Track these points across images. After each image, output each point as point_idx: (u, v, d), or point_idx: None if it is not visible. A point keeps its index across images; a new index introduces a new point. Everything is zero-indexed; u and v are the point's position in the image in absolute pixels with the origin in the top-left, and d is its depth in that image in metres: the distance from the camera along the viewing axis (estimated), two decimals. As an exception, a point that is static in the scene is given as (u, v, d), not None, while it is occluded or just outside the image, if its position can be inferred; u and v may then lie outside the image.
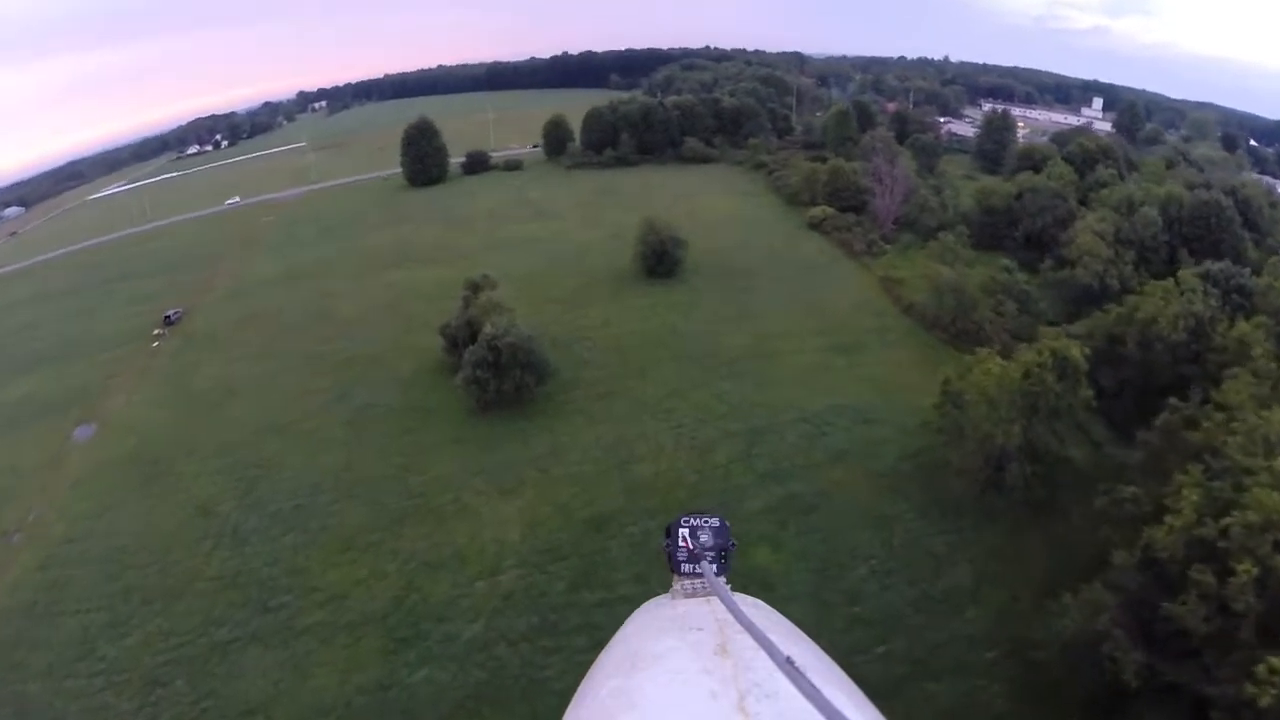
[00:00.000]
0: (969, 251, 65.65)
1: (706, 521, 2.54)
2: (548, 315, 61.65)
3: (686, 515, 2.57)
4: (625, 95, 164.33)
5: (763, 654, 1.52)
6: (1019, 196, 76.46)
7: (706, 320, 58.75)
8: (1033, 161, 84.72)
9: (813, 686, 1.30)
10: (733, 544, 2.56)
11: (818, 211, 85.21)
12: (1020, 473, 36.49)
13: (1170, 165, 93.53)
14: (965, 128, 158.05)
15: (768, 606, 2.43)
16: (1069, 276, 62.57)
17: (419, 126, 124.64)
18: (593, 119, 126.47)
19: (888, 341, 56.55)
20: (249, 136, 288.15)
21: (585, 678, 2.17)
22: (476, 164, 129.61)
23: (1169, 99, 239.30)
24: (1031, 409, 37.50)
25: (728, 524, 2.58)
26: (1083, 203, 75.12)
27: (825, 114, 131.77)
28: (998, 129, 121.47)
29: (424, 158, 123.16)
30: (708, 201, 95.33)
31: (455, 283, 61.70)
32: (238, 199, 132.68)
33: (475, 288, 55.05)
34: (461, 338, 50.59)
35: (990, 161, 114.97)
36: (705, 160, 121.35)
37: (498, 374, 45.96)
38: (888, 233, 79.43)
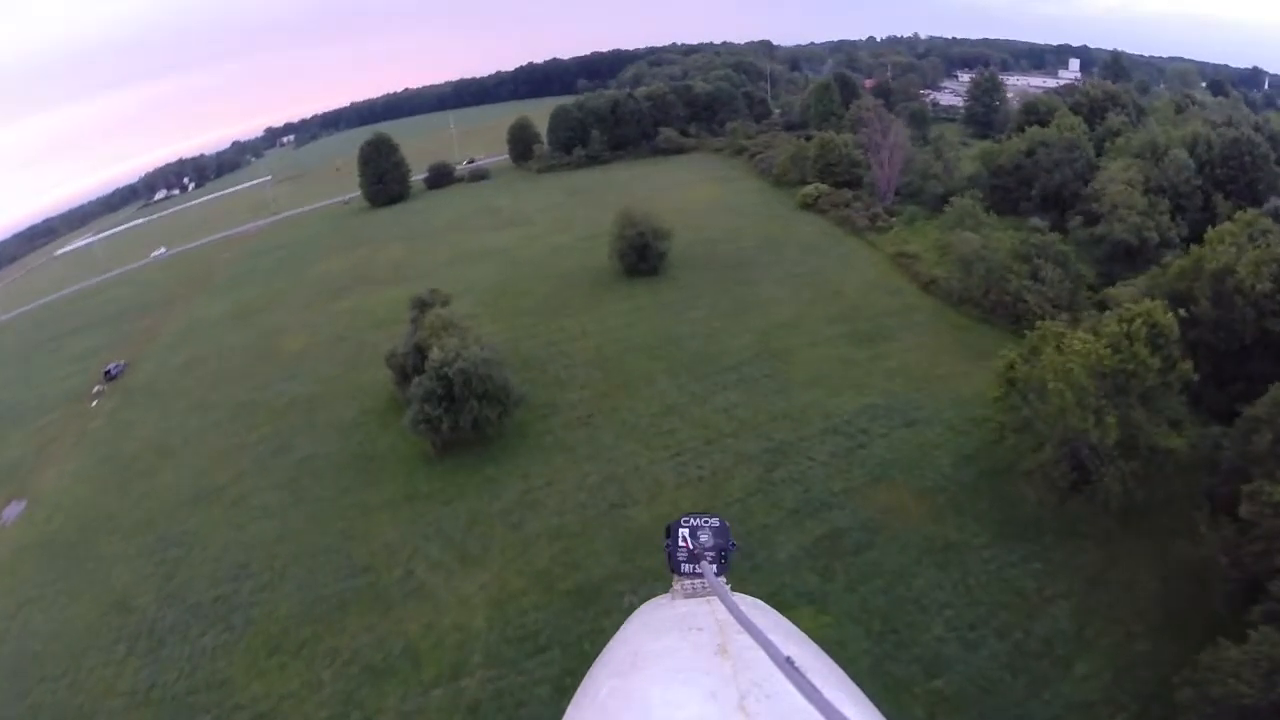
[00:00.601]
0: (989, 216, 58.02)
1: (706, 521, 2.37)
2: (519, 329, 53.80)
3: (687, 515, 2.39)
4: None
5: (763, 654, 1.49)
6: (1030, 153, 68.85)
7: (702, 320, 50.77)
8: (1037, 115, 77.05)
9: (813, 686, 1.29)
10: (733, 544, 2.37)
11: (810, 190, 77.49)
12: (1118, 474, 28.63)
13: (1180, 109, 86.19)
14: (949, 97, 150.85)
15: (768, 606, 2.28)
16: (1106, 232, 55.05)
17: (375, 143, 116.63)
18: (559, 118, 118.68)
19: (913, 324, 48.67)
20: (217, 176, 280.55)
21: (585, 678, 2.07)
22: (440, 178, 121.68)
23: (1143, 57, 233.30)
24: (1120, 392, 29.78)
25: (728, 524, 2.36)
26: (1099, 154, 67.77)
27: (804, 92, 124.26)
28: (986, 91, 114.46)
29: (383, 176, 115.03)
30: (689, 191, 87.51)
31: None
32: (163, 250, 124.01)
33: (423, 305, 46.97)
34: (411, 366, 42.40)
35: (982, 126, 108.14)
36: (682, 150, 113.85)
37: (451, 409, 37.83)
38: (889, 206, 71.81)
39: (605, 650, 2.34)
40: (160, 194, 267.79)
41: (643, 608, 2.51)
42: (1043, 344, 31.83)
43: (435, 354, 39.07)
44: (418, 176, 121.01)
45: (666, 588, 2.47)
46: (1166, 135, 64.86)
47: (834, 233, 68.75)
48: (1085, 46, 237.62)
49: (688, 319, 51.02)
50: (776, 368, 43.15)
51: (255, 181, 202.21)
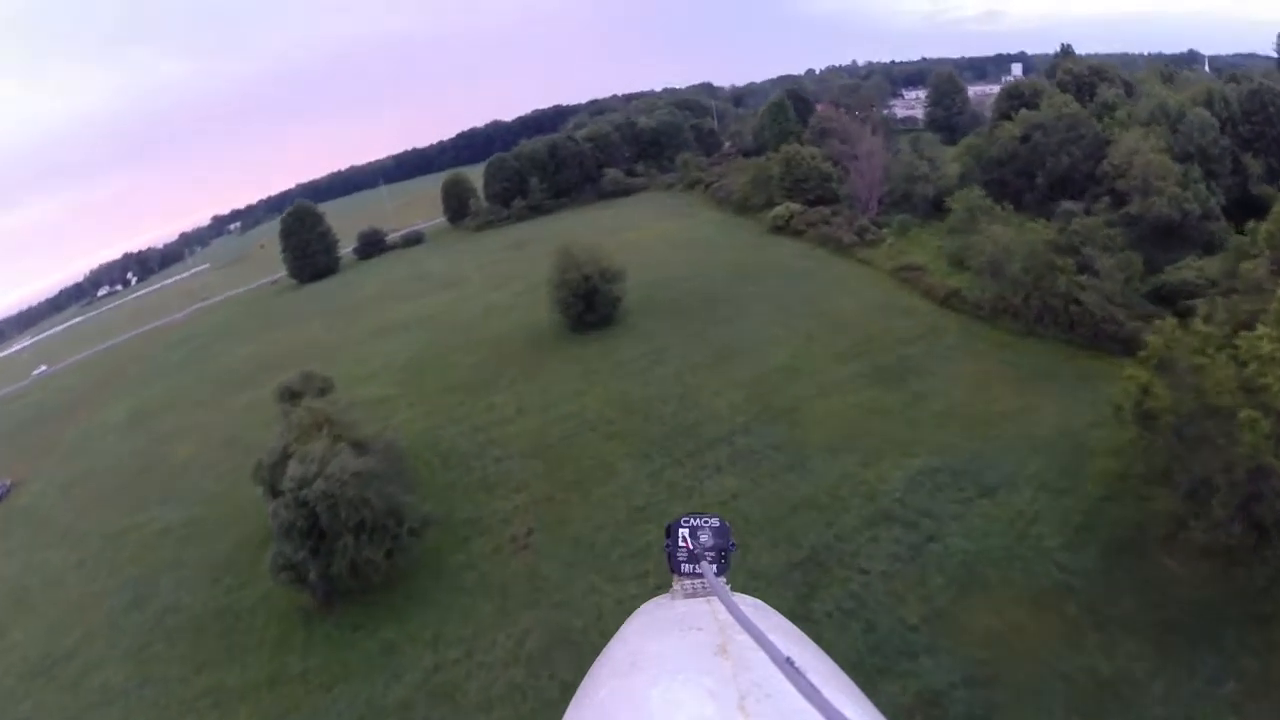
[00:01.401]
0: (1005, 210, 48.03)
1: (706, 521, 2.31)
2: (440, 412, 41.94)
3: (687, 516, 2.34)
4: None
5: (763, 654, 1.49)
6: (1025, 139, 59.65)
7: (673, 377, 39.12)
8: (1022, 99, 68.29)
9: (813, 686, 1.28)
10: (733, 544, 2.33)
11: (781, 211, 67.30)
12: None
13: (1167, 79, 78.44)
14: (903, 110, 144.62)
15: (768, 606, 2.26)
16: (1141, 210, 45.27)
17: (296, 214, 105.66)
18: (494, 169, 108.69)
19: (944, 350, 37.66)
20: (160, 269, 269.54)
21: (585, 678, 2.01)
22: (371, 246, 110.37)
23: (1084, 56, 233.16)
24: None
25: (728, 524, 2.33)
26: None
27: (755, 116, 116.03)
28: (946, 94, 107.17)
29: (307, 249, 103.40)
30: (643, 229, 76.83)
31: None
32: (44, 367, 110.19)
33: (292, 396, 34.97)
34: (280, 479, 30.06)
35: (947, 131, 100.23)
36: (630, 191, 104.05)
37: (319, 550, 25.51)
38: (874, 217, 61.81)
39: (605, 651, 2.13)
40: (103, 290, 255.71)
41: (642, 608, 2.32)
42: (1194, 352, 20.76)
43: (294, 468, 26.87)
44: (348, 249, 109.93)
45: (666, 588, 2.32)
46: (1174, 99, 56.34)
47: (817, 254, 58.22)
48: (1024, 53, 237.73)
49: (654, 378, 39.25)
50: (784, 432, 31.41)
51: (193, 271, 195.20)
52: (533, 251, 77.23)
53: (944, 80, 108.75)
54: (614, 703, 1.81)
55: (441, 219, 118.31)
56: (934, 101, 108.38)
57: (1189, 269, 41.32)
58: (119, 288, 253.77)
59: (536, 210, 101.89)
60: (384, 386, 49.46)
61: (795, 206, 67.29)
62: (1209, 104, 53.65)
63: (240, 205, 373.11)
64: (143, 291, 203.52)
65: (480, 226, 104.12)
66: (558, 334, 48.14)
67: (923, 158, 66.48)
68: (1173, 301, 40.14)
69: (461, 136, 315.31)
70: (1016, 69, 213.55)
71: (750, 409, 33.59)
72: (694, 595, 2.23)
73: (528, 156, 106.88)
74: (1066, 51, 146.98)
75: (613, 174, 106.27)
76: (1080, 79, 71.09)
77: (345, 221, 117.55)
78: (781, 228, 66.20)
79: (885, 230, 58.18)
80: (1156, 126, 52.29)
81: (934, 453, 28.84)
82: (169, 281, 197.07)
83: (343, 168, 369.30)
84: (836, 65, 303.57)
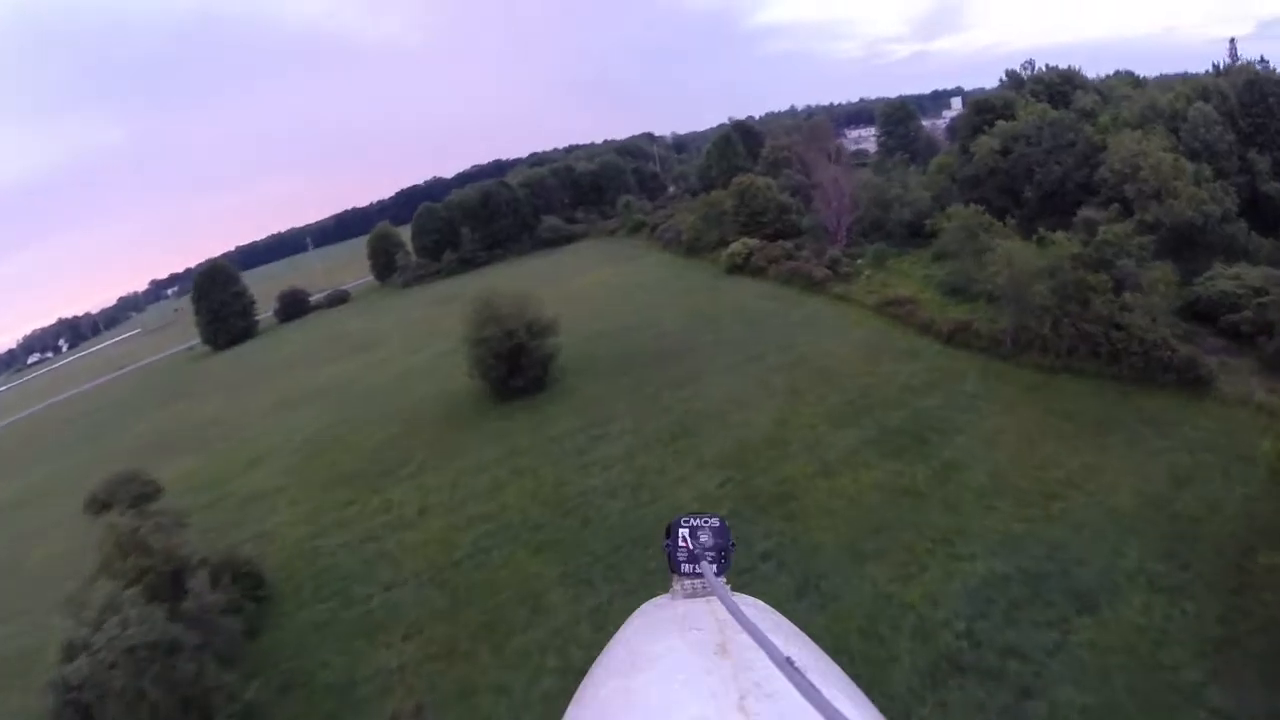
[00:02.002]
0: (1006, 226, 41.01)
1: (706, 521, 2.24)
2: (326, 512, 32.35)
3: (686, 516, 2.25)
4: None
5: (763, 654, 1.48)
6: (1006, 152, 53.53)
7: (622, 458, 29.74)
8: (994, 112, 62.54)
9: (813, 686, 1.27)
10: (733, 544, 2.25)
11: (738, 248, 59.55)
12: None
13: (1136, 84, 74.28)
14: (852, 145, 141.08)
15: (768, 606, 2.17)
16: (1161, 216, 38.94)
17: (209, 275, 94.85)
18: (423, 221, 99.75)
19: (965, 399, 29.42)
20: (94, 334, 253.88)
21: (585, 678, 1.97)
22: (293, 307, 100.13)
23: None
24: None
25: (728, 524, 2.25)
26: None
27: (701, 155, 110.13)
28: (899, 121, 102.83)
29: (220, 312, 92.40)
30: (583, 277, 68.51)
31: (207, 481, 40.07)
32: None
33: (101, 506, 25.60)
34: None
35: (907, 157, 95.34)
36: (570, 239, 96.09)
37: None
38: (844, 248, 54.55)
39: (605, 651, 2.09)
40: (34, 358, 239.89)
41: (642, 608, 2.25)
42: None
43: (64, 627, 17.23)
44: (269, 311, 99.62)
45: (666, 589, 2.26)
46: (1164, 98, 51.13)
47: (784, 293, 50.20)
48: (960, 88, 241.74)
49: (597, 461, 29.73)
50: (780, 532, 22.24)
51: (121, 337, 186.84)
52: (460, 308, 68.15)
53: (894, 109, 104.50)
54: (614, 703, 1.76)
55: (369, 277, 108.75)
56: (886, 131, 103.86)
57: (1224, 278, 34.82)
58: (50, 354, 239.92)
59: (468, 263, 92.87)
60: (271, 475, 39.51)
61: (753, 242, 59.64)
62: (1206, 99, 48.46)
63: (179, 269, 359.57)
64: (72, 358, 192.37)
65: (408, 283, 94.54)
66: (478, 403, 38.62)
67: (891, 180, 59.87)
68: (1213, 318, 33.64)
69: (401, 194, 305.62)
70: (956, 102, 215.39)
71: (728, 499, 24.46)
72: (694, 595, 2.14)
73: (458, 206, 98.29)
74: (1029, 64, 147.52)
75: (551, 221, 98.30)
76: (1053, 87, 66.04)
77: (276, 284, 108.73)
78: (740, 266, 58.38)
79: (859, 262, 50.81)
80: (1153, 127, 46.82)
81: (995, 551, 20.18)
82: (97, 348, 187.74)
83: (282, 230, 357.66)
84: (776, 110, 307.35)
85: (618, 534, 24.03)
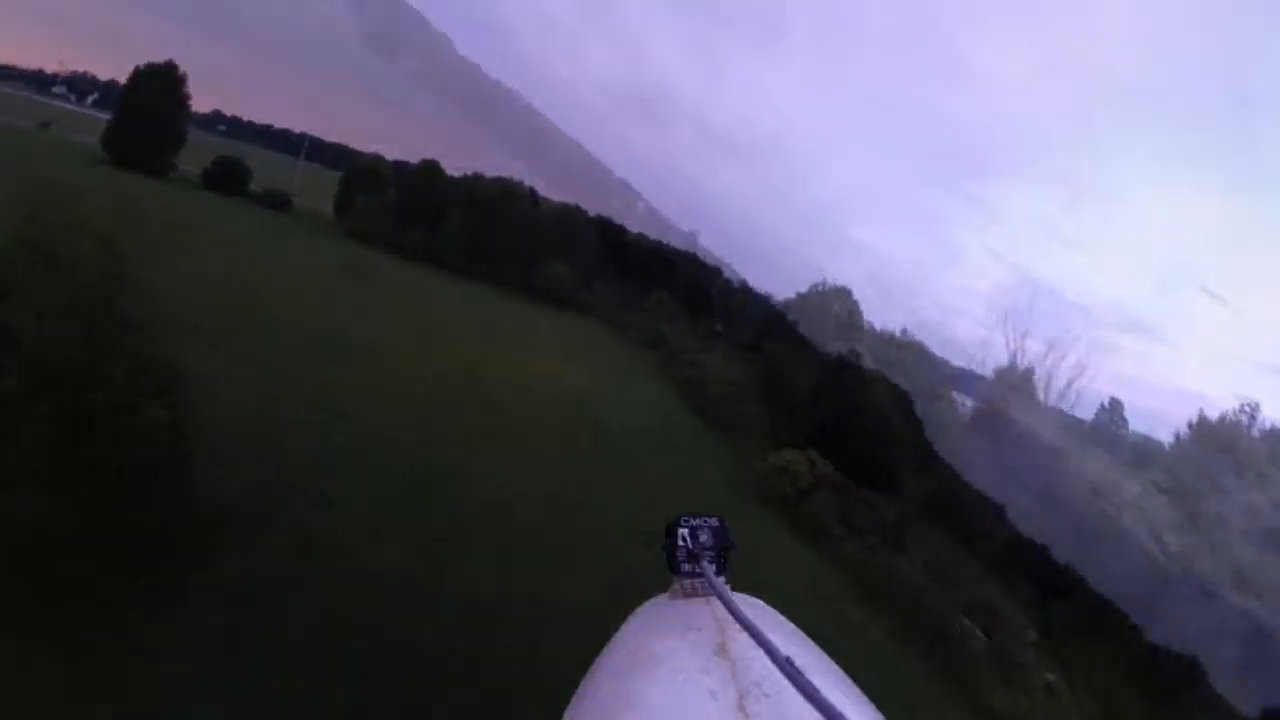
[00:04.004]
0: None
1: (706, 521, 2.22)
2: None
3: (686, 516, 2.23)
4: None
5: (763, 654, 1.48)
6: None
7: None
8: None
9: (813, 686, 1.27)
10: (733, 544, 2.23)
11: (797, 463, 33.35)
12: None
13: None
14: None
15: (768, 606, 2.12)
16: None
17: None
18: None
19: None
20: None
21: (584, 678, 1.95)
22: None
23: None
24: None
25: (727, 523, 2.23)
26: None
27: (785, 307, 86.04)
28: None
29: None
30: (528, 363, 41.79)
31: None
32: None
33: None
34: None
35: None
36: (576, 304, 70.33)
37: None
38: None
39: (604, 651, 2.06)
40: None
41: (642, 608, 2.23)
42: None
43: None
44: None
45: (665, 588, 2.26)
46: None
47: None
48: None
49: None
50: None
51: None
52: None
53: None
54: (613, 703, 1.72)
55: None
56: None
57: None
58: None
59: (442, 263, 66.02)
60: None
61: (826, 468, 33.38)
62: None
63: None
64: None
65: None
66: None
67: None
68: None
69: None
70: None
71: None
72: (693, 595, 2.12)
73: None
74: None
75: (558, 271, 72.55)
76: None
77: None
78: (788, 499, 31.97)
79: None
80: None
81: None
82: None
83: None
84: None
85: None
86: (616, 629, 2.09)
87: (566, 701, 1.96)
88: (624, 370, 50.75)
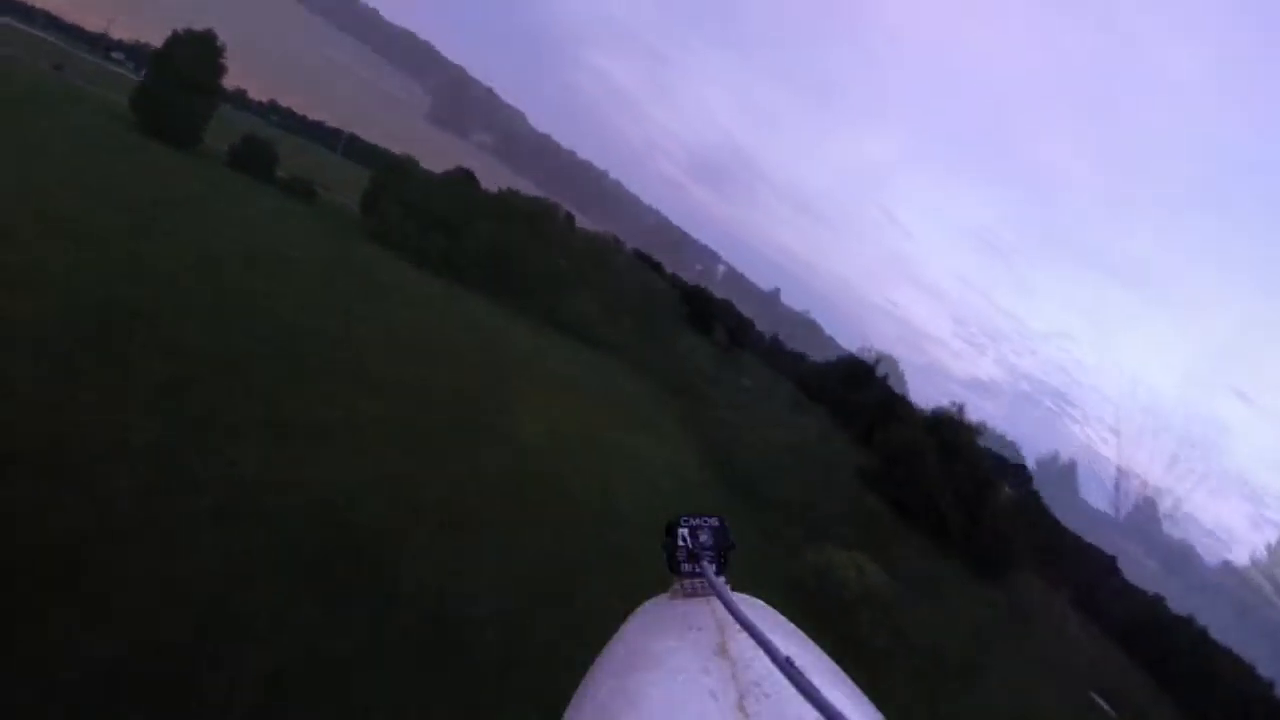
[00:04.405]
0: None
1: (706, 521, 1.90)
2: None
3: (686, 516, 1.89)
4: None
5: (763, 654, 1.36)
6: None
7: None
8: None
9: (813, 686, 1.20)
10: (733, 543, 1.91)
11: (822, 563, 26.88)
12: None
13: None
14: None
15: (768, 606, 1.88)
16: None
17: None
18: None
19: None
20: None
21: (584, 678, 1.74)
22: None
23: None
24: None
25: (728, 523, 1.90)
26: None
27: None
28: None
29: None
30: (529, 395, 35.84)
31: None
32: None
33: None
34: None
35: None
36: (595, 341, 64.48)
37: None
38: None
39: (604, 651, 1.82)
40: None
41: (641, 608, 1.97)
42: None
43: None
44: None
45: (665, 588, 1.99)
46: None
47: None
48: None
49: None
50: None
51: None
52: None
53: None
54: (613, 703, 1.54)
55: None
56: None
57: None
58: None
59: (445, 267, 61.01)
60: None
61: (872, 570, 26.90)
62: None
63: None
64: None
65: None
66: None
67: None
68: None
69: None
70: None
71: None
72: (693, 595, 1.87)
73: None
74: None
75: (571, 301, 67.05)
76: None
77: None
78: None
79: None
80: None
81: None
82: None
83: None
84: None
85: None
86: (616, 629, 1.85)
87: (567, 701, 1.63)
88: (645, 419, 44.70)
